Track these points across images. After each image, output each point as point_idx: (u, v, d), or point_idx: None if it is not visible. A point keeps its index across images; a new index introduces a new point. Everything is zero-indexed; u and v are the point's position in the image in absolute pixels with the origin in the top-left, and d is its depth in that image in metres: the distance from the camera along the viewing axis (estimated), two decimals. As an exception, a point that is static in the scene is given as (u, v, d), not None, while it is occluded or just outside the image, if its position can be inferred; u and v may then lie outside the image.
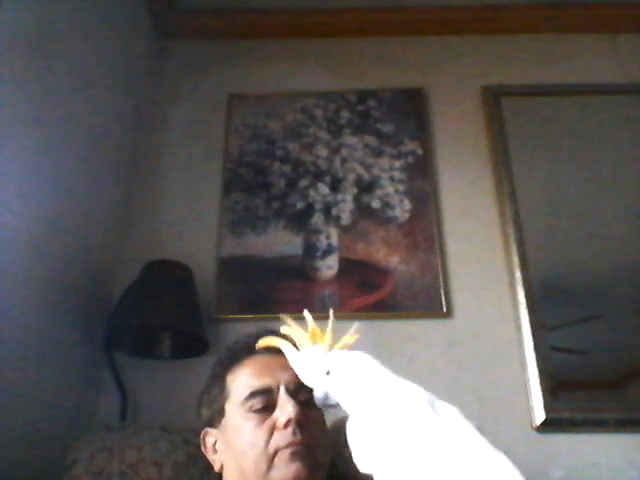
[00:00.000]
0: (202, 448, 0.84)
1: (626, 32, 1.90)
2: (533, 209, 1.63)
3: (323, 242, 1.61)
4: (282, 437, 0.73)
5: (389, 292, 1.54)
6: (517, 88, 1.83)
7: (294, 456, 0.71)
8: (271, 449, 0.72)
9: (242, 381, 0.79)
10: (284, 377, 0.77)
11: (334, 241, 1.61)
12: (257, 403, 0.76)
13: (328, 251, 1.60)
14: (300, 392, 0.76)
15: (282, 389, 0.76)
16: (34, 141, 1.20)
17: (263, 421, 0.75)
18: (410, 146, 1.74)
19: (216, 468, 0.82)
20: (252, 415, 0.75)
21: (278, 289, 1.55)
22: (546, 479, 1.31)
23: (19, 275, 1.13)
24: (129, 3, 1.71)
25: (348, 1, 1.92)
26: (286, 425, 0.73)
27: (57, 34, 1.30)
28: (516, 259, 1.54)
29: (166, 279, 1.39)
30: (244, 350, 0.82)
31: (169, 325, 1.41)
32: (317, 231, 1.63)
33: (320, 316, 1.64)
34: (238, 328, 1.47)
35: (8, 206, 1.10)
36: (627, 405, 1.41)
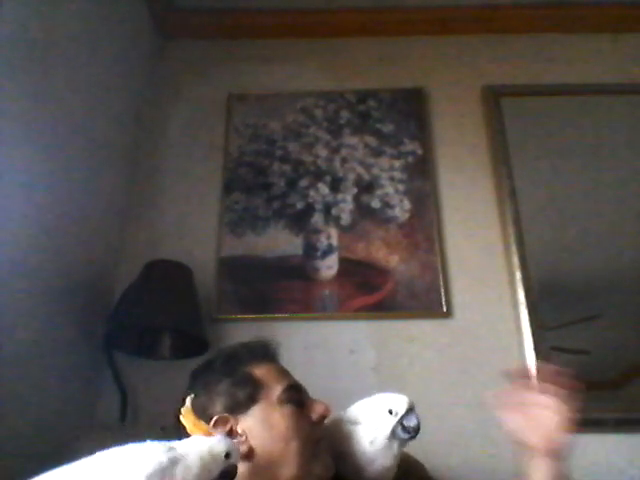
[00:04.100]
0: (211, 430, 0.81)
1: (626, 32, 1.90)
2: (533, 209, 1.63)
3: (323, 242, 1.61)
4: (317, 431, 0.81)
5: (389, 292, 1.54)
6: (517, 88, 1.83)
7: (327, 450, 0.81)
8: (314, 438, 0.80)
9: (275, 375, 0.85)
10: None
11: (334, 241, 1.61)
12: (294, 395, 0.82)
13: (328, 251, 1.60)
14: None
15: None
16: (34, 141, 1.20)
17: (301, 413, 0.81)
18: (410, 146, 1.74)
19: (241, 450, 0.79)
20: (290, 406, 0.81)
21: (278, 289, 1.55)
22: (546, 479, 1.31)
23: (20, 276, 1.13)
24: (129, 3, 1.71)
25: (348, 1, 1.92)
26: (318, 420, 0.81)
27: (57, 34, 1.30)
28: (516, 259, 1.54)
29: (166, 279, 1.39)
30: (259, 353, 0.89)
31: (169, 325, 1.41)
32: (317, 231, 1.63)
33: (320, 316, 1.63)
34: (238, 328, 1.47)
35: (8, 207, 1.10)
36: (627, 405, 1.40)
